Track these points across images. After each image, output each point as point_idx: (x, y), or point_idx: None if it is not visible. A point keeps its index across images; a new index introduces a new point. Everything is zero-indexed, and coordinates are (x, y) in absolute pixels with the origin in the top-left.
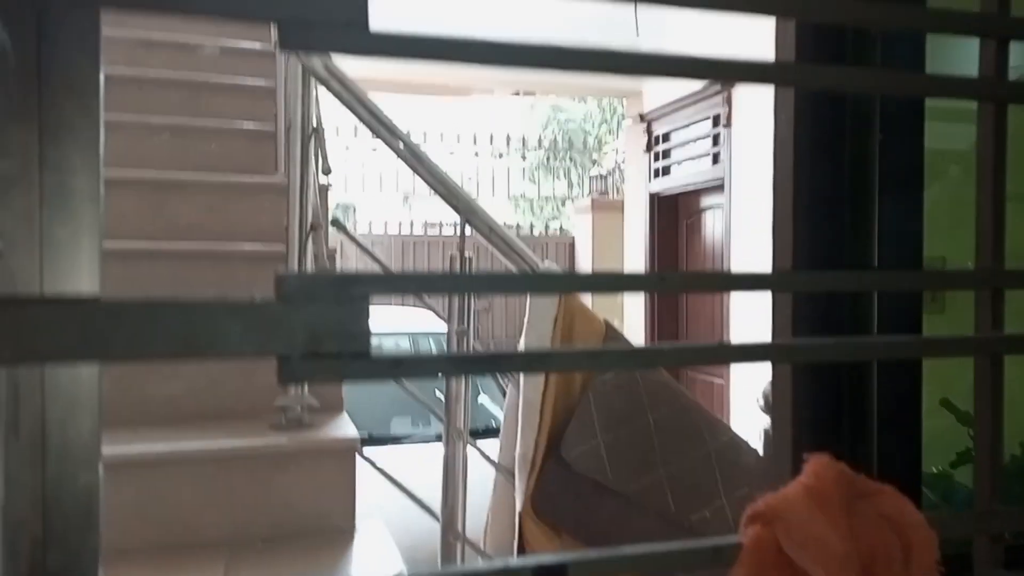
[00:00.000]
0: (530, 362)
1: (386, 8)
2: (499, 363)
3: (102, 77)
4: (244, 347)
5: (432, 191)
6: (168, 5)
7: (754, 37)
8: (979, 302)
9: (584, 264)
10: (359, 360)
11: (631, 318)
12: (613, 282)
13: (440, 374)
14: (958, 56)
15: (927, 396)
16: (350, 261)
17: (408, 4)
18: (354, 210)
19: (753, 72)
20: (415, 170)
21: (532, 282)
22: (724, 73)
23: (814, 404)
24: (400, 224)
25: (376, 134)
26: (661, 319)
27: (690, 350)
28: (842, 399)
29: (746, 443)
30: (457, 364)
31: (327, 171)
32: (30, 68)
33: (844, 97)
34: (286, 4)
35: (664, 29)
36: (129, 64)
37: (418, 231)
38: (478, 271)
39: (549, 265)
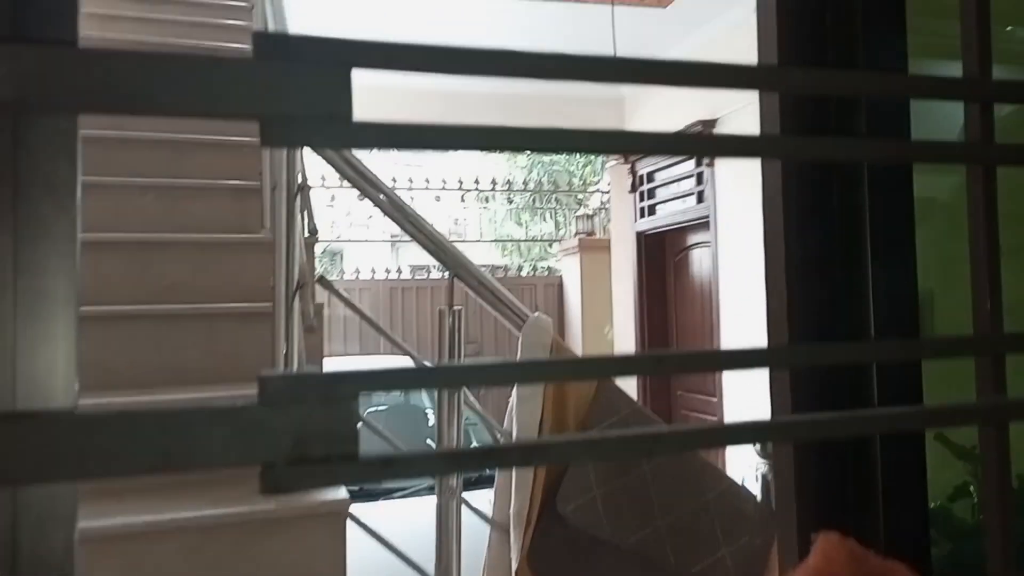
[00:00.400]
0: (527, 456)
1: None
2: (494, 458)
3: (80, 178)
4: (227, 457)
5: (421, 247)
6: (146, 108)
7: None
8: (979, 368)
9: (573, 304)
10: (348, 463)
11: (621, 335)
12: (610, 366)
13: (433, 474)
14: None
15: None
16: (337, 311)
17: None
18: (341, 256)
19: (740, 146)
20: (402, 227)
21: (529, 370)
22: (712, 150)
23: (817, 476)
24: (387, 270)
25: (363, 192)
26: (651, 339)
27: (693, 432)
28: (846, 469)
29: (744, 490)
30: (449, 462)
31: (313, 231)
32: (6, 170)
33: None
34: (267, 101)
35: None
36: (113, 124)
37: (406, 276)
38: (470, 362)
39: (538, 317)
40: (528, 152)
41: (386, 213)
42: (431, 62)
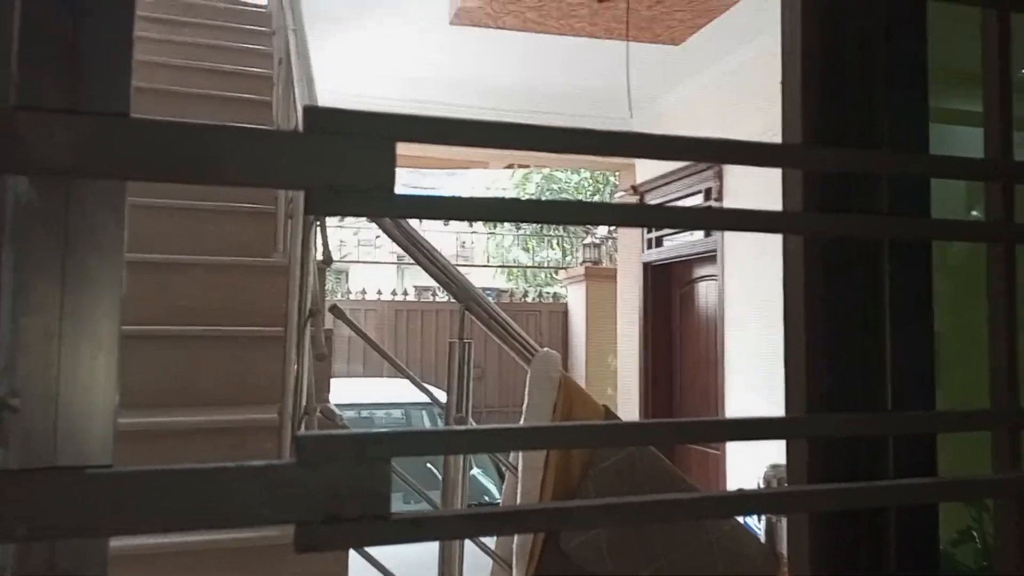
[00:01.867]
0: (550, 519)
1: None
2: (517, 521)
3: (125, 236)
4: (262, 516)
5: (432, 278)
6: (193, 176)
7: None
8: (997, 439)
9: (577, 331)
10: (379, 523)
11: (625, 389)
12: (629, 433)
13: (459, 536)
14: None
15: (947, 470)
16: (343, 330)
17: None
18: (347, 275)
19: (763, 221)
20: (415, 257)
21: (553, 434)
22: (739, 224)
23: (829, 539)
24: (393, 291)
25: (377, 224)
26: (656, 390)
27: (711, 499)
28: (859, 533)
29: (747, 531)
30: (475, 524)
31: (328, 261)
32: (57, 225)
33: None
34: (313, 172)
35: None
36: None
37: (411, 297)
38: (497, 427)
39: (548, 352)
40: (548, 221)
41: (397, 242)
42: (469, 136)
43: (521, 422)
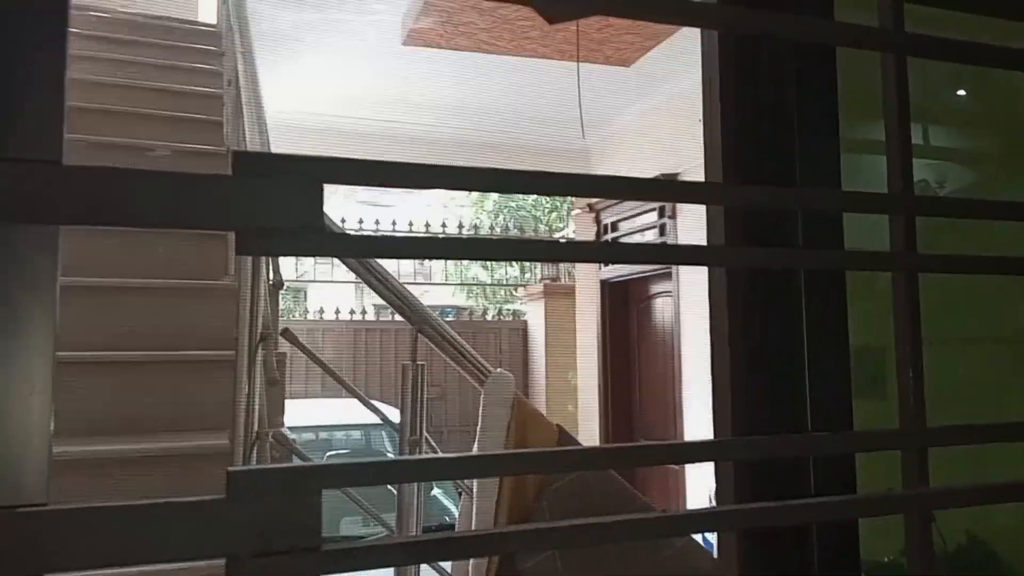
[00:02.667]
0: (485, 545)
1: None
2: (453, 547)
3: (59, 277)
4: (193, 551)
5: (385, 301)
6: (126, 220)
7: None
8: (904, 459)
9: (537, 348)
10: (310, 556)
11: (585, 405)
12: (571, 458)
13: (393, 564)
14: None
15: (875, 480)
16: (300, 363)
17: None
18: (304, 294)
19: (687, 255)
20: (367, 281)
21: (490, 463)
22: (665, 257)
23: (759, 557)
24: (352, 310)
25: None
26: (615, 406)
27: (648, 520)
28: (785, 553)
29: (702, 548)
30: (411, 551)
31: (279, 284)
32: None
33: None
34: (243, 215)
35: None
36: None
37: (370, 316)
38: (433, 458)
39: (501, 373)
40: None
41: (349, 267)
42: (397, 178)
43: (475, 444)
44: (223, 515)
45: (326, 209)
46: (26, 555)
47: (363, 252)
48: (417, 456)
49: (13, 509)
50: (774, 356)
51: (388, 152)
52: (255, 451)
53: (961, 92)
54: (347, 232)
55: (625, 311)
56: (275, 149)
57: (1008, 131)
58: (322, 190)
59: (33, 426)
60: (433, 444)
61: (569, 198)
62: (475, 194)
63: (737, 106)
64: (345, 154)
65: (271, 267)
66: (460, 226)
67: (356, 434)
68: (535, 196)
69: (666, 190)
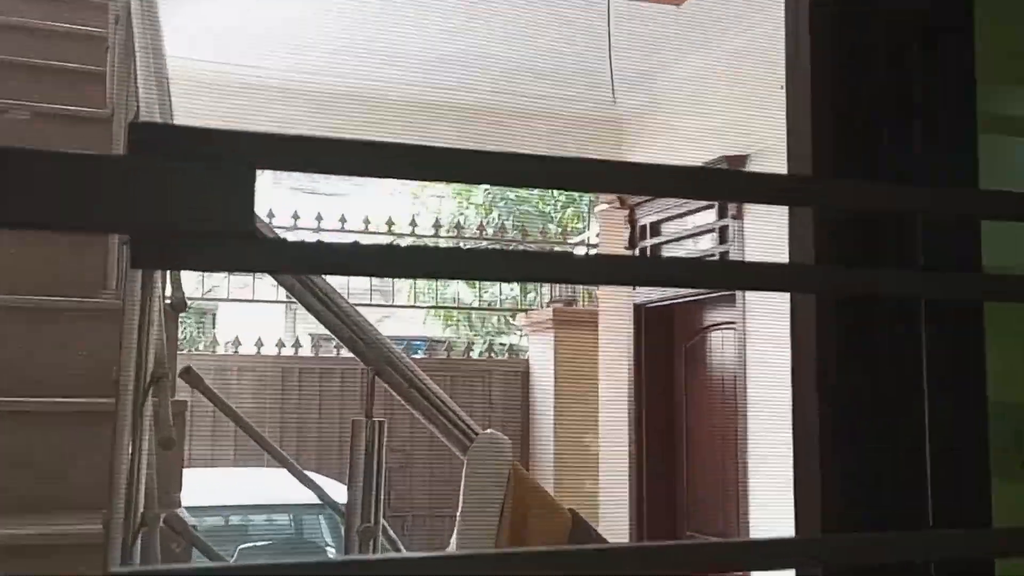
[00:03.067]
0: None
1: None
2: None
3: None
4: None
5: (328, 328)
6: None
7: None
8: None
9: (543, 399)
10: None
11: (609, 480)
12: (591, 561)
13: None
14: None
15: None
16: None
17: None
18: (213, 317)
19: (762, 277)
20: (302, 301)
21: (466, 564)
22: (723, 281)
23: None
24: (280, 342)
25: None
26: (653, 484)
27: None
28: None
29: None
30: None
31: (181, 305)
32: None
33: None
34: (143, 213)
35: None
36: None
37: (305, 352)
38: (387, 557)
39: (492, 435)
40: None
41: (279, 280)
42: (349, 161)
43: (453, 537)
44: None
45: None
46: None
47: (312, 267)
48: (371, 556)
49: None
50: (881, 415)
51: (338, 120)
52: (139, 541)
53: None
54: (285, 238)
55: (669, 349)
56: (179, 115)
57: None
58: (254, 179)
59: None
60: (392, 535)
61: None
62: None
63: (832, 75)
64: (276, 123)
65: (167, 280)
66: (437, 224)
67: (282, 518)
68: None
69: (736, 186)
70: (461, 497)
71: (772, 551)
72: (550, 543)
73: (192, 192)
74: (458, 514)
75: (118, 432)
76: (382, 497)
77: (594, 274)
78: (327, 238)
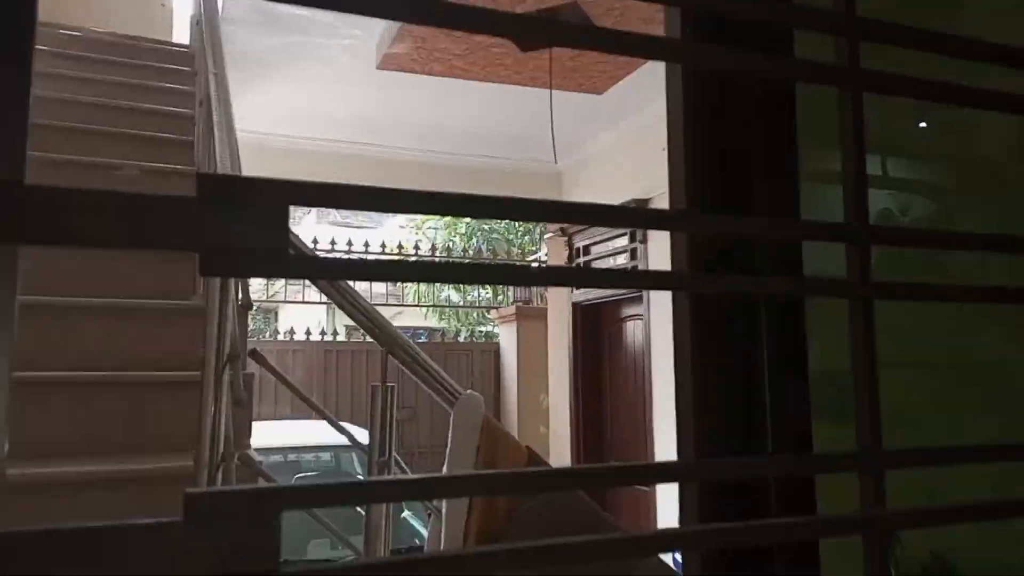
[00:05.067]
0: (443, 567)
1: None
2: (412, 569)
3: (16, 302)
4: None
5: (355, 322)
6: (91, 241)
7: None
8: (862, 481)
9: (510, 370)
10: None
11: (557, 428)
12: (528, 482)
13: None
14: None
15: (835, 508)
16: (269, 384)
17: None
18: (275, 315)
19: (652, 280)
20: (336, 302)
21: (447, 484)
22: (632, 282)
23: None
24: (323, 331)
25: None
26: (587, 428)
27: (607, 541)
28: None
29: (672, 570)
30: (372, 572)
31: (248, 306)
32: None
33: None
34: (208, 238)
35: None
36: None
37: (341, 338)
38: (391, 479)
39: (471, 395)
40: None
41: (319, 288)
42: (361, 201)
43: (444, 466)
44: (180, 538)
45: (301, 230)
46: None
47: (325, 274)
48: (378, 477)
49: None
50: (735, 379)
51: (362, 174)
52: (220, 473)
53: (923, 124)
54: (311, 254)
55: (597, 333)
56: (247, 170)
57: (966, 163)
58: (287, 212)
59: None
60: (403, 466)
61: (542, 224)
62: (448, 217)
63: (698, 137)
64: (318, 176)
65: (240, 288)
66: (433, 248)
67: (326, 456)
68: (508, 221)
69: (630, 217)
70: (449, 439)
71: (656, 473)
72: (514, 465)
73: (242, 222)
74: (447, 451)
75: (204, 395)
76: (393, 439)
77: (542, 277)
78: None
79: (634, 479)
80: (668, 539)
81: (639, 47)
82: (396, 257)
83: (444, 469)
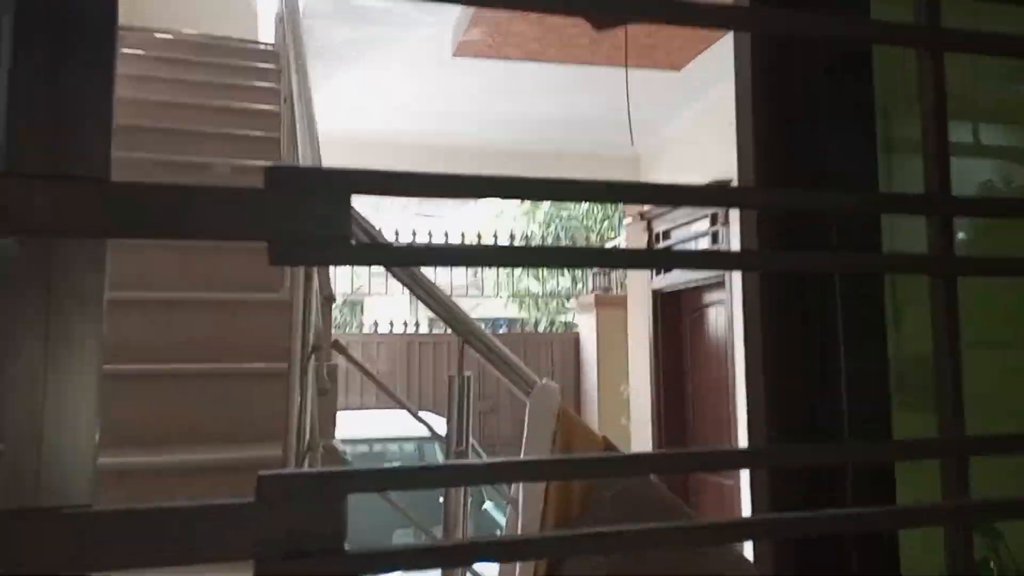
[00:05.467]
0: (510, 552)
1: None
2: (476, 553)
3: (106, 293)
4: (224, 552)
5: (432, 312)
6: (166, 232)
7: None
8: (945, 469)
9: (589, 360)
10: (335, 557)
11: (638, 417)
12: (606, 465)
13: (415, 568)
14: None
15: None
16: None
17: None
18: (361, 308)
19: (721, 260)
20: (414, 292)
21: (504, 470)
22: (701, 263)
23: (796, 568)
24: (405, 323)
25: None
26: (668, 417)
27: (677, 528)
28: (823, 565)
29: (751, 565)
30: (431, 556)
31: (330, 298)
32: (41, 280)
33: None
34: (275, 226)
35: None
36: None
37: (423, 329)
38: (455, 464)
39: (547, 384)
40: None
41: (396, 278)
42: (424, 187)
43: (522, 453)
44: (252, 518)
45: (385, 220)
46: (71, 553)
47: (385, 260)
48: (444, 463)
49: (60, 510)
50: (809, 362)
51: (439, 164)
52: (307, 462)
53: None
54: (381, 241)
55: (678, 321)
56: (327, 162)
57: None
58: (349, 201)
59: (81, 431)
60: (482, 455)
61: (621, 208)
62: (526, 205)
63: (769, 109)
64: (398, 166)
65: (324, 281)
66: (511, 237)
67: (409, 447)
68: (587, 207)
69: (691, 195)
70: (525, 427)
71: (727, 460)
72: (589, 452)
73: (307, 211)
74: (524, 440)
75: (290, 386)
76: (469, 428)
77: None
78: None
79: (701, 466)
80: (738, 528)
81: (705, 16)
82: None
83: (523, 443)
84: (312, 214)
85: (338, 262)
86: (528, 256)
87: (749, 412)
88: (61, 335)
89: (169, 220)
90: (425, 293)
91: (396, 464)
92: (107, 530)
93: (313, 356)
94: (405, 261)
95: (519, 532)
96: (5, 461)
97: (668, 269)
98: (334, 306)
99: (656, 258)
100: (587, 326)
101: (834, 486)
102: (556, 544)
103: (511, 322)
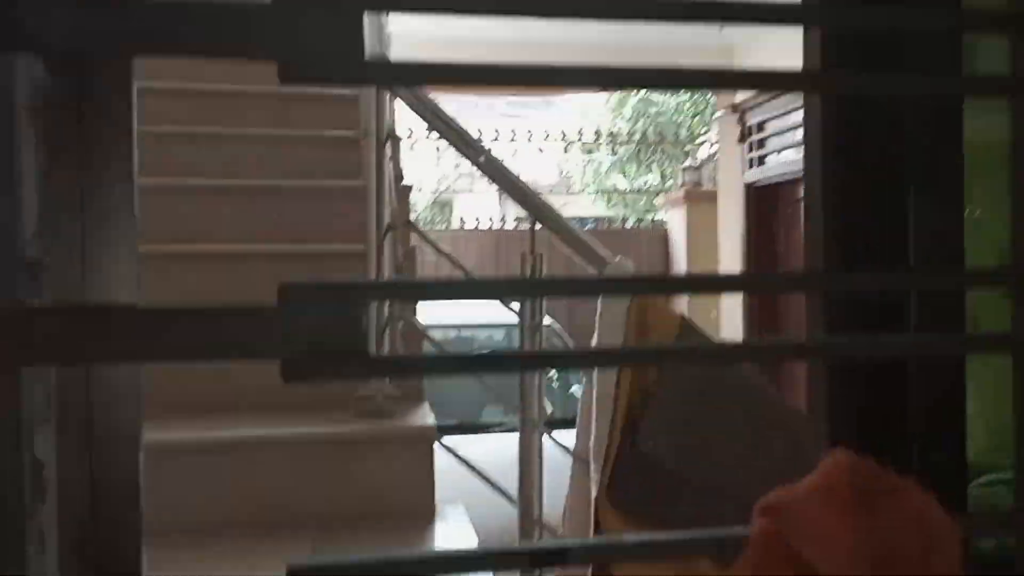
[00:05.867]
0: (546, 361)
1: None
2: (498, 363)
3: (135, 115)
4: (253, 350)
5: (503, 190)
6: (176, 51)
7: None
8: (1017, 297)
9: (679, 257)
10: (358, 359)
11: (729, 310)
12: (641, 285)
13: (442, 372)
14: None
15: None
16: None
17: None
18: (451, 207)
19: (780, 81)
20: (487, 174)
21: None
22: (755, 83)
23: (852, 400)
24: (491, 220)
25: (448, 140)
26: (761, 313)
27: (733, 348)
28: (882, 397)
29: (809, 417)
30: (454, 364)
31: (399, 177)
32: (71, 104)
33: (873, 101)
34: (284, 43)
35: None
36: (227, 78)
37: (510, 226)
38: (468, 278)
39: (622, 261)
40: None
41: (466, 156)
42: (442, 3)
43: (594, 335)
44: (277, 321)
45: (468, 120)
46: (112, 346)
47: (402, 77)
48: (501, 351)
49: (105, 308)
50: (875, 188)
51: (513, 54)
52: (387, 336)
53: None
54: (378, 60)
55: (771, 216)
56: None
57: None
58: (362, 17)
59: (120, 237)
60: (561, 333)
61: (712, 101)
62: (613, 101)
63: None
64: (469, 59)
65: (392, 166)
66: (597, 133)
67: (498, 334)
68: (676, 102)
69: (776, 79)
70: (599, 305)
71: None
72: (665, 332)
73: (317, 28)
74: (597, 316)
75: (368, 264)
76: (543, 305)
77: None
78: (520, 148)
79: (759, 290)
80: (801, 348)
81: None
82: (563, 145)
83: (594, 337)
84: (323, 30)
85: (350, 80)
86: (546, 75)
87: (807, 241)
88: (94, 152)
89: (180, 37)
90: (498, 172)
91: (483, 351)
92: (143, 326)
93: (389, 236)
94: (420, 79)
95: (595, 402)
96: (52, 274)
97: (762, 161)
98: (424, 205)
99: (703, 79)
100: (676, 222)
101: (897, 323)
102: (612, 357)
103: (599, 220)
